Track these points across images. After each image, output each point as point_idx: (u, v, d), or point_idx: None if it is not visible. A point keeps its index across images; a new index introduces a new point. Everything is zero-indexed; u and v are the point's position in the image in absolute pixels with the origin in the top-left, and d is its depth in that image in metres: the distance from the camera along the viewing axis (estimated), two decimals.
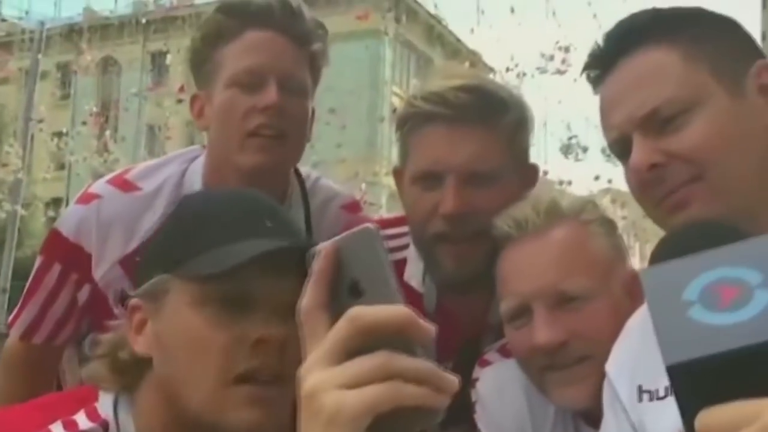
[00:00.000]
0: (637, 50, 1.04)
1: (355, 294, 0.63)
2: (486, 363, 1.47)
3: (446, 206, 1.39)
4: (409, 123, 1.46)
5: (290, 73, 1.53)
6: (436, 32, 28.59)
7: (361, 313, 0.60)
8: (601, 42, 1.10)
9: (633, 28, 1.07)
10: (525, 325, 1.31)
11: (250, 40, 1.52)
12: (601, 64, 1.09)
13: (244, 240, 0.99)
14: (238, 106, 1.50)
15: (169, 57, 22.26)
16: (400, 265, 1.56)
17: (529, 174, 1.53)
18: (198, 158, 1.65)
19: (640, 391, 1.05)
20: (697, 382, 0.51)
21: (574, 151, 16.52)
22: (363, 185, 17.39)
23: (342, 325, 0.60)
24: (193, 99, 1.62)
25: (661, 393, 1.01)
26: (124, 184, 1.62)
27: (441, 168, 1.40)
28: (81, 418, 1.04)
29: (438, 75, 1.56)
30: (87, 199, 1.61)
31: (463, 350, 1.52)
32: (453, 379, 0.61)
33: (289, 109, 1.51)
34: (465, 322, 1.53)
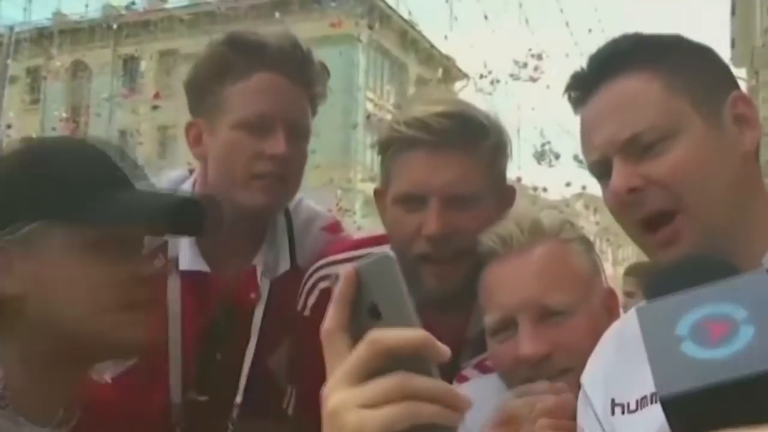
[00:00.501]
0: (620, 76, 1.06)
1: (374, 316, 0.66)
2: (464, 379, 1.46)
3: (429, 227, 1.41)
4: (393, 147, 1.47)
5: (297, 120, 1.57)
6: (409, 38, 28.70)
7: (380, 336, 0.63)
8: (584, 65, 1.12)
9: (616, 54, 1.09)
10: (509, 338, 1.30)
11: (259, 83, 1.53)
12: (584, 86, 1.10)
13: (122, 189, 1.12)
14: (245, 148, 1.52)
15: (143, 63, 22.12)
16: None
17: (507, 195, 1.55)
18: (186, 181, 1.67)
19: (613, 404, 1.06)
20: (687, 412, 0.54)
21: (547, 158, 16.69)
22: (339, 191, 17.40)
23: (362, 347, 0.64)
24: (189, 126, 1.61)
25: (633, 406, 1.03)
26: None
27: (424, 191, 1.42)
28: None
29: (419, 100, 1.58)
30: None
31: (442, 365, 1.50)
32: (466, 398, 0.65)
33: (293, 155, 1.55)
34: (444, 338, 1.52)
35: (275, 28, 1.64)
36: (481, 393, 1.39)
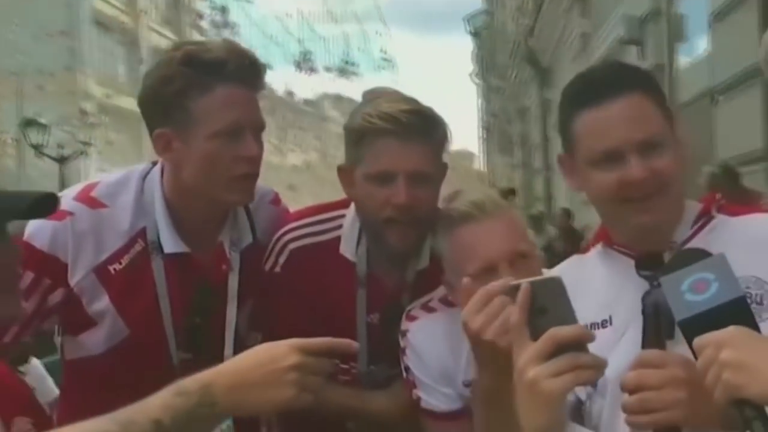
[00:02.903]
0: (632, 92, 1.42)
1: (541, 314, 1.16)
2: (413, 318, 1.90)
3: (399, 198, 1.80)
4: (368, 136, 1.83)
5: (259, 123, 1.84)
6: None
7: (557, 331, 1.15)
8: (600, 77, 1.49)
9: (623, 74, 1.48)
10: (490, 278, 1.60)
11: (223, 96, 1.76)
12: (601, 93, 1.42)
13: None
14: (224, 155, 1.77)
15: None
16: (336, 242, 1.97)
17: (444, 171, 1.95)
18: (150, 174, 1.89)
19: None
20: (691, 327, 1.10)
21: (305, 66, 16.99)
22: None
23: (546, 338, 1.15)
24: (159, 136, 1.80)
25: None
26: (92, 202, 1.83)
27: (394, 170, 1.81)
28: None
29: (382, 98, 1.92)
30: (59, 216, 1.76)
31: (388, 306, 1.97)
32: (604, 360, 1.18)
33: (260, 153, 1.83)
34: (389, 284, 1.99)
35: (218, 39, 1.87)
36: (429, 329, 1.86)
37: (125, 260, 1.83)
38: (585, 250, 1.64)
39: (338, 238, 1.97)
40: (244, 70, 1.80)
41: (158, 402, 1.19)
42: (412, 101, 1.90)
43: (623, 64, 1.62)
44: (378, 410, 1.95)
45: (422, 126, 1.83)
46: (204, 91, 1.75)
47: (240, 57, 1.80)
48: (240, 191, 1.83)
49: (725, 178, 5.21)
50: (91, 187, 1.87)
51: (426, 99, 1.89)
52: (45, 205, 1.39)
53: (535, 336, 1.17)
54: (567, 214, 11.67)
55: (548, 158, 19.63)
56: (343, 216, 1.99)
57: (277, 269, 1.97)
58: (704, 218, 1.48)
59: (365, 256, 1.95)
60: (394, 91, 2.07)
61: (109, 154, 26.13)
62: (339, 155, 2.05)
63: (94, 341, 1.84)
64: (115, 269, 1.82)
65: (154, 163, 1.92)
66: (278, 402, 1.26)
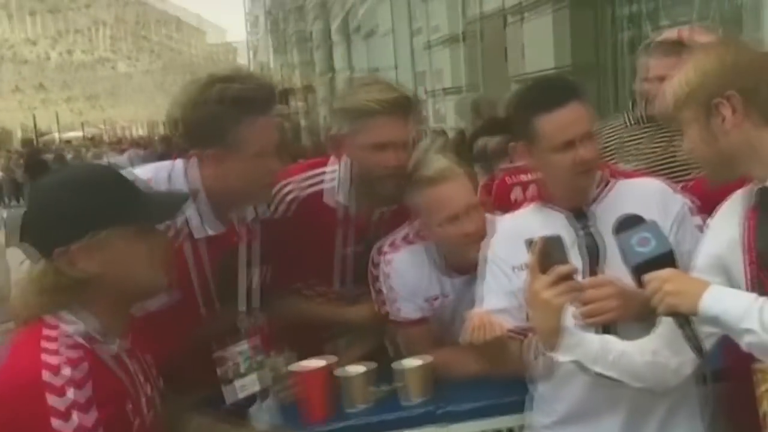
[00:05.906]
0: (575, 98, 1.99)
1: (547, 257, 1.74)
2: (397, 247, 2.45)
3: (392, 162, 2.38)
4: (366, 115, 2.37)
5: (278, 142, 2.24)
6: None
7: (559, 269, 1.74)
8: (556, 88, 2.06)
9: (570, 85, 2.07)
10: (457, 222, 2.29)
11: (262, 125, 2.18)
12: (558, 99, 1.97)
13: (143, 194, 1.67)
14: (262, 170, 2.20)
15: None
16: (319, 193, 2.50)
17: (414, 136, 2.54)
18: (175, 167, 2.24)
19: (513, 267, 2.04)
20: (639, 268, 1.64)
21: None
22: None
23: (552, 273, 1.74)
24: (211, 155, 2.17)
25: (521, 267, 1.94)
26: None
27: (387, 139, 2.38)
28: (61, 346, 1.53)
29: (372, 85, 2.47)
30: None
31: (359, 240, 2.53)
32: (583, 285, 1.84)
33: (280, 165, 2.30)
34: (368, 221, 2.53)
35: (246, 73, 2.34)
36: (407, 259, 2.43)
37: None
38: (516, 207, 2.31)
39: (321, 190, 2.50)
40: (268, 102, 2.21)
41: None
42: (398, 89, 2.49)
43: (564, 79, 2.29)
44: (356, 316, 2.53)
45: (406, 107, 2.41)
46: (247, 122, 2.12)
47: (265, 90, 2.21)
48: (267, 193, 2.31)
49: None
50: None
51: None
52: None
53: (543, 271, 1.75)
54: None
55: (331, 60, 20.03)
56: (323, 173, 2.51)
57: (277, 216, 2.45)
58: (605, 182, 2.08)
59: (355, 202, 2.49)
60: (381, 79, 2.69)
61: None
62: None
63: (149, 301, 2.09)
64: None
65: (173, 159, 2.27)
66: None
